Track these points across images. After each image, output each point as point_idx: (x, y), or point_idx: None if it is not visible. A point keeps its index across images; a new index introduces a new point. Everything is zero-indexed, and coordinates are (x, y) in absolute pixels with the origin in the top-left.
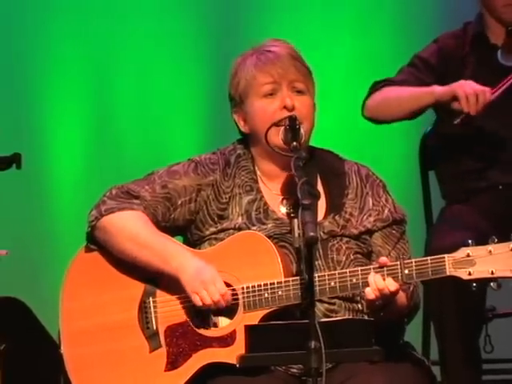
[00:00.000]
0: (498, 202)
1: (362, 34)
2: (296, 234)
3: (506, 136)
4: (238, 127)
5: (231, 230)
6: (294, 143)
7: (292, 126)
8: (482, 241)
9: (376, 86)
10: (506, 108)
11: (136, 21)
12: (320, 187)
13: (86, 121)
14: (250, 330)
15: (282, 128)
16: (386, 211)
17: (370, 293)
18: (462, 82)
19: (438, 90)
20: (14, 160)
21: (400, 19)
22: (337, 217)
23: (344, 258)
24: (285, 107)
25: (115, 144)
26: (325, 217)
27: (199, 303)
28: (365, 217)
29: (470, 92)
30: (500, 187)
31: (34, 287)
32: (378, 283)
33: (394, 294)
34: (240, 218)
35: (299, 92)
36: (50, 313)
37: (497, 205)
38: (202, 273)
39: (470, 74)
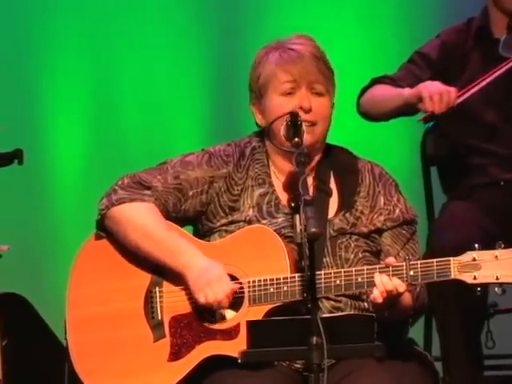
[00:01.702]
0: (500, 198)
1: (367, 29)
2: (298, 230)
3: (507, 132)
4: (254, 119)
5: (241, 223)
6: (296, 139)
7: (293, 122)
8: (483, 237)
9: (371, 83)
10: (508, 103)
11: (138, 20)
12: (333, 184)
13: (88, 118)
14: (251, 325)
15: (284, 124)
16: (397, 211)
17: (378, 295)
18: (427, 82)
19: (406, 91)
20: (15, 156)
21: (406, 14)
22: (347, 214)
23: (352, 256)
24: (301, 108)
25: (117, 141)
26: (336, 214)
27: (203, 301)
28: (375, 215)
29: (434, 91)
30: (501, 183)
31: (35, 283)
32: (385, 284)
33: (400, 294)
34: (251, 211)
35: (318, 93)
36: (51, 308)
37: (498, 201)
38: (208, 272)
39: (473, 69)
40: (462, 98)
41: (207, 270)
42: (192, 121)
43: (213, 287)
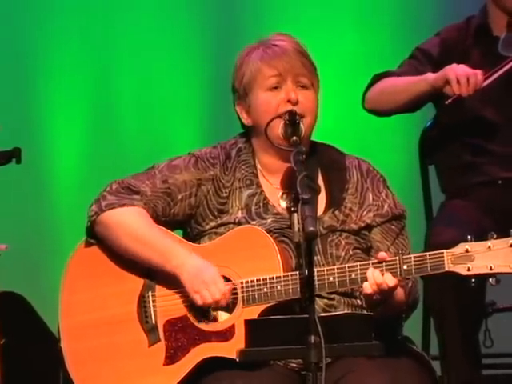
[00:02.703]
0: (498, 196)
1: (363, 29)
2: (296, 229)
3: (506, 131)
4: (240, 120)
5: (231, 225)
6: (294, 137)
7: (292, 121)
8: (481, 236)
9: (375, 78)
10: (506, 102)
11: (136, 20)
12: (321, 181)
13: (86, 116)
14: (249, 324)
15: (282, 122)
16: (386, 206)
17: (368, 287)
18: (453, 65)
19: (431, 76)
20: (13, 155)
21: (401, 15)
22: (337, 212)
23: (343, 254)
24: (289, 101)
25: (115, 140)
26: (325, 211)
27: (200, 302)
28: (364, 212)
29: (461, 74)
30: (499, 182)
31: (33, 282)
32: (376, 278)
33: (392, 289)
34: (240, 213)
35: (303, 87)
36: (49, 307)
37: (496, 200)
38: (203, 272)
39: (473, 66)
40: (488, 81)
41: (201, 270)
42: (190, 121)
43: (209, 287)
